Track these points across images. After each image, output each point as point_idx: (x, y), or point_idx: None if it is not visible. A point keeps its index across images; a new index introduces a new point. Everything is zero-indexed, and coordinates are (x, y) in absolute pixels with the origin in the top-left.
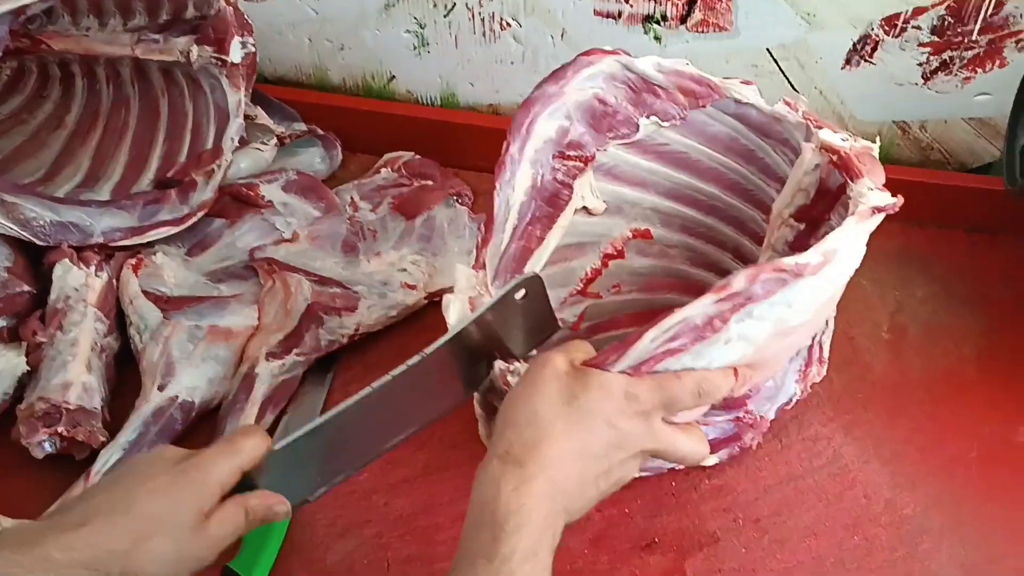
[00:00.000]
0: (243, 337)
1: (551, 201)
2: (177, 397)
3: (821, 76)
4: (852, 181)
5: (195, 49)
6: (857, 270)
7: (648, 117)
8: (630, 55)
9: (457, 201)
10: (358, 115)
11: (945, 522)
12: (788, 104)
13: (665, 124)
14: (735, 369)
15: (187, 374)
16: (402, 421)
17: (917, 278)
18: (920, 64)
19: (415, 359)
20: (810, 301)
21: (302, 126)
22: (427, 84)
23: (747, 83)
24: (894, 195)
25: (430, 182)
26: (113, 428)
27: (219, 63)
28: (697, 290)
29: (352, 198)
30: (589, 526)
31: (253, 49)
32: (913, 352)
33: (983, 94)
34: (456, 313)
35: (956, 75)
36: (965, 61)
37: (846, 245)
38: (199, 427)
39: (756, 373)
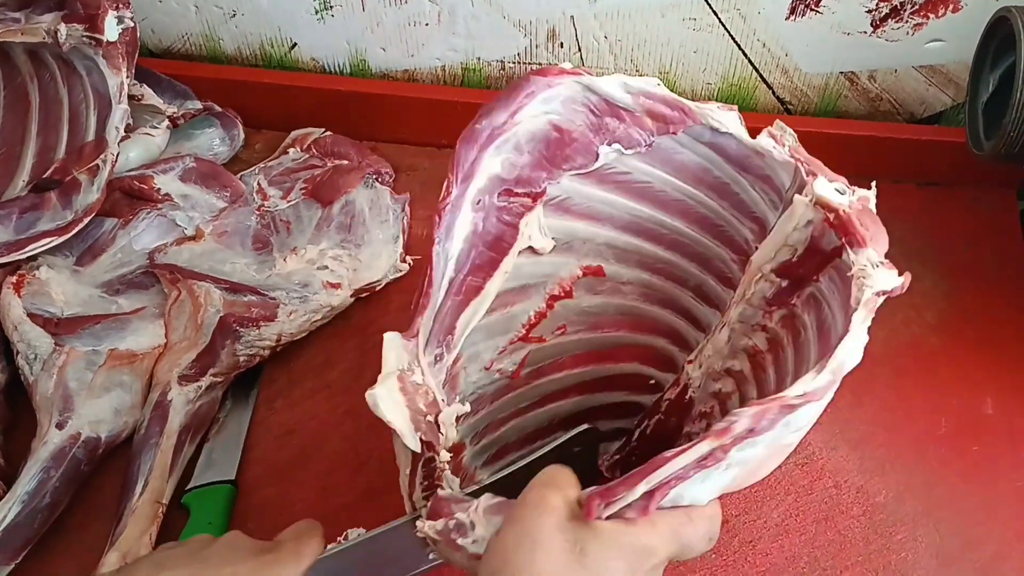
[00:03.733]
0: (150, 359)
1: (494, 245)
2: (79, 434)
3: (764, 27)
4: (852, 249)
5: (63, 28)
6: None
7: (610, 144)
8: (592, 74)
9: (377, 180)
10: (258, 88)
11: (919, 507)
12: (773, 137)
13: (628, 152)
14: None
15: (88, 407)
16: None
17: None
18: (869, 11)
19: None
20: (811, 418)
21: (196, 104)
22: (334, 51)
23: (728, 108)
24: (846, 151)
25: (345, 161)
26: (10, 474)
27: (93, 42)
28: (650, 328)
29: (259, 184)
30: None
31: (132, 23)
32: (874, 323)
33: (935, 40)
34: (390, 407)
35: (907, 22)
36: (916, 7)
37: (854, 348)
38: (109, 466)
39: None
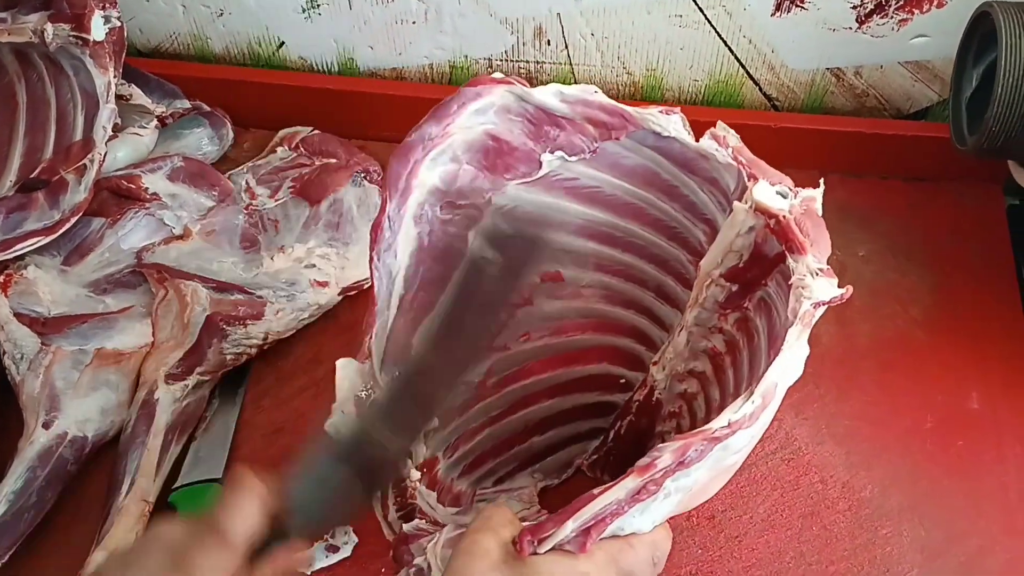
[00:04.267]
0: (136, 358)
1: (441, 259)
2: (66, 434)
3: (750, 24)
4: (792, 256)
5: (50, 28)
6: None
7: (552, 152)
8: (525, 84)
9: (365, 179)
10: (247, 87)
11: (904, 502)
12: (716, 139)
13: (572, 158)
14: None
15: (75, 406)
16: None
17: (858, 235)
18: (854, 7)
19: None
20: (749, 439)
21: (185, 103)
22: (321, 49)
23: (668, 111)
24: (833, 147)
25: (333, 160)
26: None
27: (80, 42)
28: (614, 328)
29: (247, 183)
30: None
31: (119, 23)
32: (860, 318)
33: (920, 36)
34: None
35: (892, 17)
36: (901, 2)
37: (788, 369)
38: (96, 465)
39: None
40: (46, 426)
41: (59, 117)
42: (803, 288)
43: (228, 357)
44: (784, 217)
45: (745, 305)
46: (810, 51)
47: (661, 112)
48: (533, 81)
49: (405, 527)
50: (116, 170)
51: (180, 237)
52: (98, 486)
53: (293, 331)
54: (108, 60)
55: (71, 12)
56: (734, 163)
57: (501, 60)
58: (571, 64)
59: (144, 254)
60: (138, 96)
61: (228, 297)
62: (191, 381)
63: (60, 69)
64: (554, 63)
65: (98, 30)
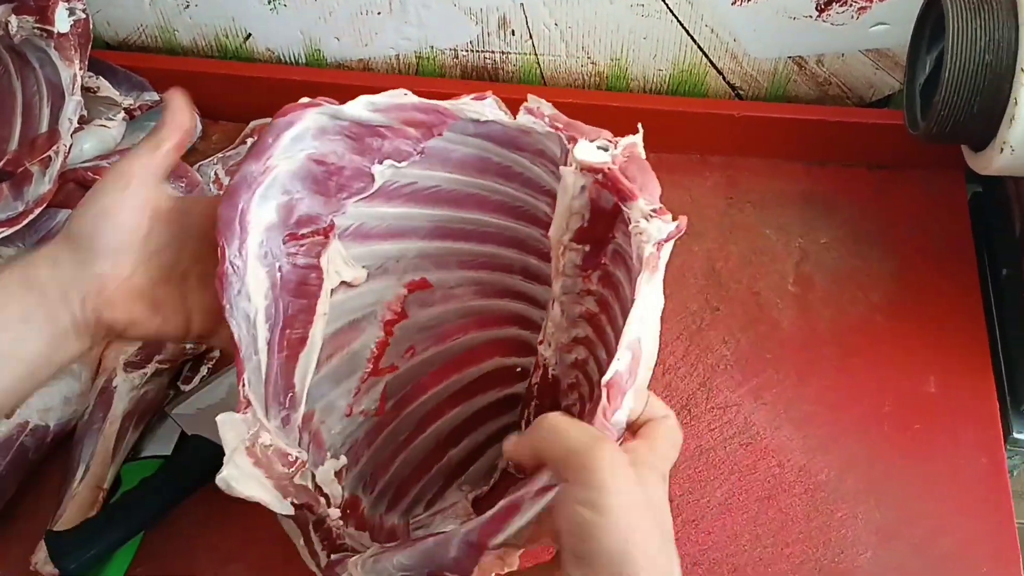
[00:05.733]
0: (98, 348)
1: (300, 291)
2: (28, 423)
3: (711, 12)
4: (624, 204)
5: (14, 19)
6: (761, 218)
7: (381, 162)
8: (334, 103)
9: None
10: (215, 79)
11: (860, 485)
12: (531, 112)
13: (403, 164)
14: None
15: (37, 395)
16: None
17: (821, 222)
18: None
19: None
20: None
21: (153, 95)
22: (288, 41)
23: (480, 98)
24: (796, 135)
25: None
26: None
27: (44, 34)
28: (495, 320)
29: (216, 174)
30: None
31: (84, 15)
32: (821, 304)
33: (880, 24)
34: (246, 484)
35: (851, 6)
36: None
37: (647, 317)
38: (57, 455)
39: None
40: (8, 415)
41: (25, 109)
42: (640, 233)
43: (187, 346)
44: (608, 169)
45: (603, 261)
46: (772, 40)
47: (474, 99)
48: (499, 72)
49: (332, 558)
50: (83, 162)
51: None
52: (59, 475)
53: None
54: (73, 52)
55: (35, 4)
56: (553, 131)
57: (466, 51)
58: (536, 54)
59: None
60: (105, 88)
61: None
62: (149, 369)
63: (26, 61)
64: (519, 53)
65: (62, 22)
